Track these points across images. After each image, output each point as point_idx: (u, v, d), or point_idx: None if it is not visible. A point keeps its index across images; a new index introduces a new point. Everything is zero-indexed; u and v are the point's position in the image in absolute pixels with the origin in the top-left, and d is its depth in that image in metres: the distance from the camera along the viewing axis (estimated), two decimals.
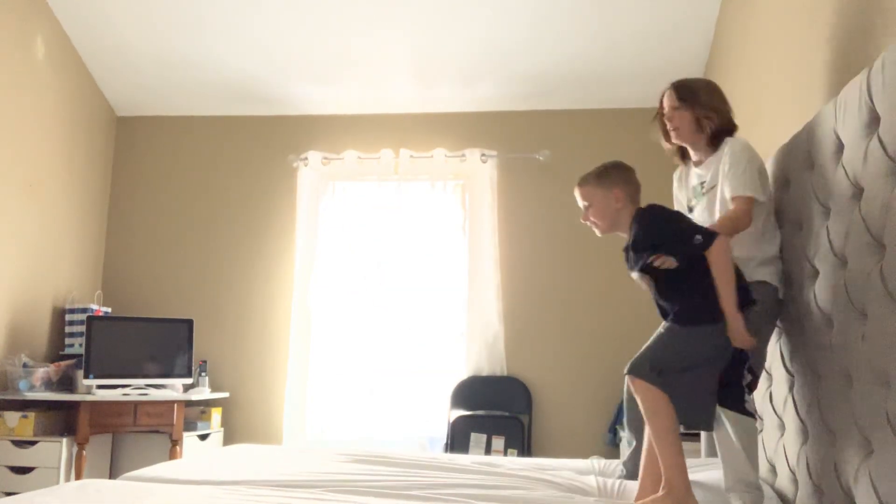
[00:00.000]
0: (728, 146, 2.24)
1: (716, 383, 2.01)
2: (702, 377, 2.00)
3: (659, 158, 4.45)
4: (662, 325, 2.14)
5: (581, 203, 2.24)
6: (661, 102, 2.46)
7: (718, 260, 1.98)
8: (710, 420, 2.03)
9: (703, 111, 2.30)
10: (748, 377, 2.03)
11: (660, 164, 4.43)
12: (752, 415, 2.01)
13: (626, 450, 3.61)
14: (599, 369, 4.27)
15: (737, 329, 1.96)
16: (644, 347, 2.07)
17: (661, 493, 1.94)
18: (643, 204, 2.21)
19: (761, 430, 2.46)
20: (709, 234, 2.00)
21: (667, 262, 2.04)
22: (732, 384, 2.01)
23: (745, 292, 2.05)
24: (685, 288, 2.05)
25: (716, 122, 2.30)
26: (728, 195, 2.18)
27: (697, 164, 2.41)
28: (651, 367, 1.98)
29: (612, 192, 2.17)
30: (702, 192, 2.34)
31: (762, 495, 1.98)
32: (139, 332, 4.16)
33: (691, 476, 2.04)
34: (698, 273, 2.01)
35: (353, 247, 4.53)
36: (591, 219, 2.21)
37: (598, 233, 2.25)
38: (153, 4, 4.00)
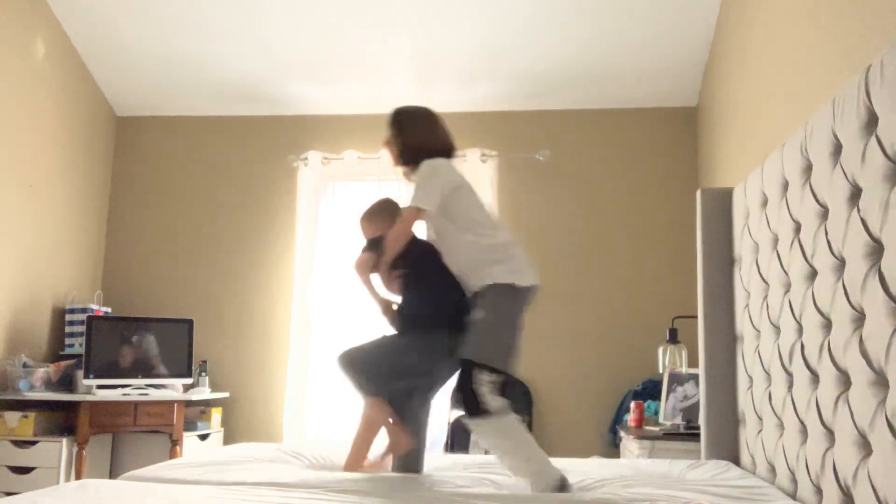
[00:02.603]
0: (421, 167, 2.38)
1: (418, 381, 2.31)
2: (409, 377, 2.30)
3: (658, 158, 4.46)
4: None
5: (364, 237, 2.52)
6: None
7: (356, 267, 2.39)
8: (376, 390, 2.30)
9: (405, 141, 2.47)
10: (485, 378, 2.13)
11: (660, 164, 4.44)
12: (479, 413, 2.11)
13: (626, 450, 3.62)
14: (599, 369, 4.27)
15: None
16: (359, 346, 2.33)
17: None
18: None
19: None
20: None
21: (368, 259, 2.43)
22: (460, 389, 2.15)
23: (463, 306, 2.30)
24: (409, 289, 2.38)
25: (413, 153, 2.44)
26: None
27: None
28: (357, 370, 2.29)
29: (378, 227, 2.47)
30: None
31: (550, 478, 2.08)
32: (139, 332, 4.16)
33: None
34: (418, 278, 2.36)
35: (353, 247, 4.52)
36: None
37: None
38: (153, 4, 4.01)
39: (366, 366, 2.28)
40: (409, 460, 2.41)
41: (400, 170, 2.55)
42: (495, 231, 2.35)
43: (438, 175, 2.34)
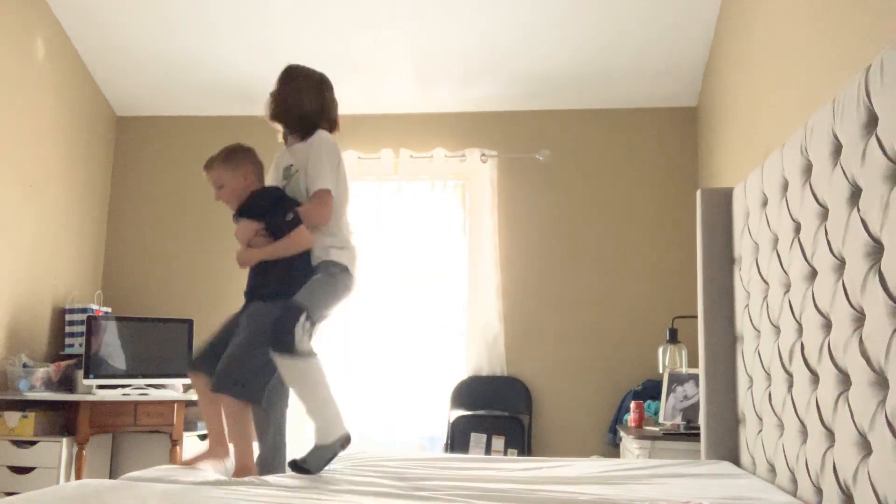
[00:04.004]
0: (314, 138, 2.46)
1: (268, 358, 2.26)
2: (260, 355, 2.27)
3: (658, 158, 4.46)
4: (243, 317, 2.41)
5: (213, 185, 2.48)
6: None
7: (291, 241, 2.34)
8: (261, 394, 2.39)
9: (288, 102, 2.53)
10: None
11: (660, 164, 4.44)
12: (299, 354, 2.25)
13: (626, 450, 3.62)
14: (599, 369, 4.27)
15: (245, 256, 2.43)
16: (226, 356, 2.29)
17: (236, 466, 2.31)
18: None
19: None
20: (297, 219, 2.33)
21: (249, 228, 2.38)
22: (277, 325, 2.23)
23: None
24: (276, 263, 2.37)
25: (295, 114, 2.52)
26: (310, 187, 2.41)
27: (290, 147, 2.57)
28: (235, 382, 2.26)
29: (240, 172, 2.44)
30: (290, 174, 2.50)
31: (337, 429, 2.31)
32: (139, 332, 4.16)
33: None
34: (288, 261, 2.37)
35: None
36: (225, 199, 2.47)
37: (232, 210, 2.50)
38: (153, 4, 4.01)
39: (239, 373, 2.27)
40: (277, 461, 2.47)
41: (277, 126, 2.59)
42: (349, 228, 2.51)
43: (334, 154, 2.45)
